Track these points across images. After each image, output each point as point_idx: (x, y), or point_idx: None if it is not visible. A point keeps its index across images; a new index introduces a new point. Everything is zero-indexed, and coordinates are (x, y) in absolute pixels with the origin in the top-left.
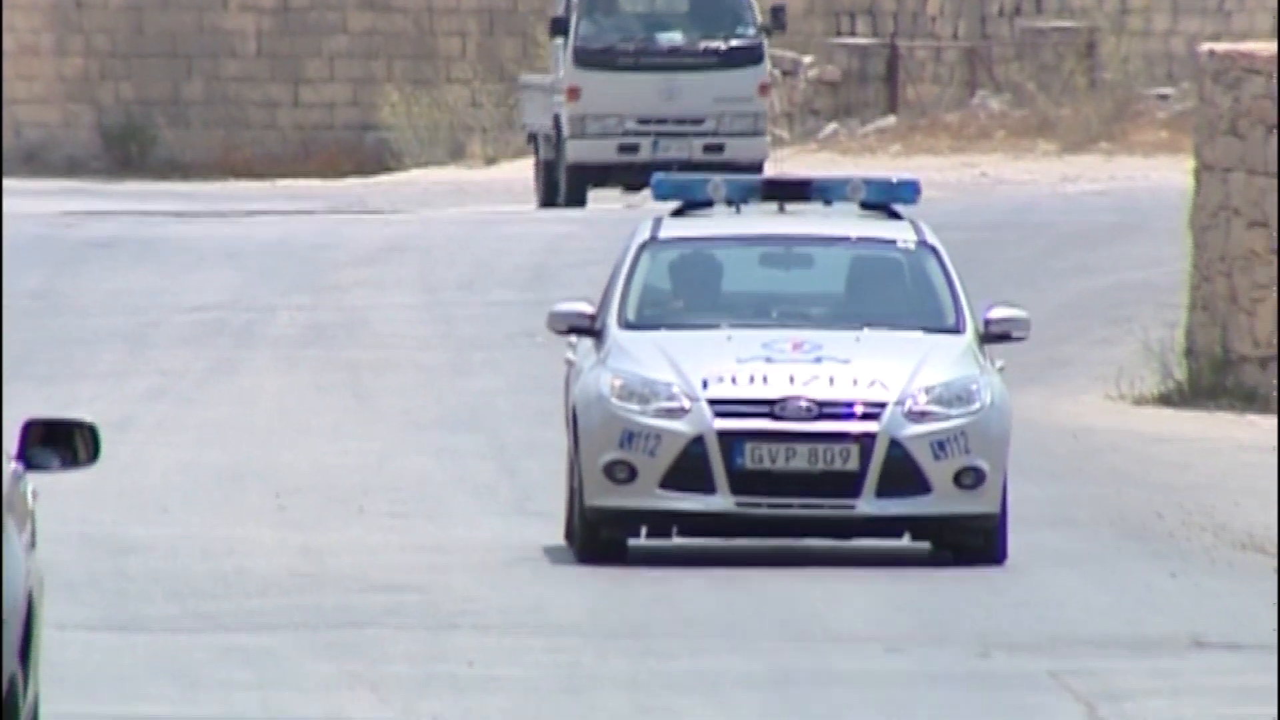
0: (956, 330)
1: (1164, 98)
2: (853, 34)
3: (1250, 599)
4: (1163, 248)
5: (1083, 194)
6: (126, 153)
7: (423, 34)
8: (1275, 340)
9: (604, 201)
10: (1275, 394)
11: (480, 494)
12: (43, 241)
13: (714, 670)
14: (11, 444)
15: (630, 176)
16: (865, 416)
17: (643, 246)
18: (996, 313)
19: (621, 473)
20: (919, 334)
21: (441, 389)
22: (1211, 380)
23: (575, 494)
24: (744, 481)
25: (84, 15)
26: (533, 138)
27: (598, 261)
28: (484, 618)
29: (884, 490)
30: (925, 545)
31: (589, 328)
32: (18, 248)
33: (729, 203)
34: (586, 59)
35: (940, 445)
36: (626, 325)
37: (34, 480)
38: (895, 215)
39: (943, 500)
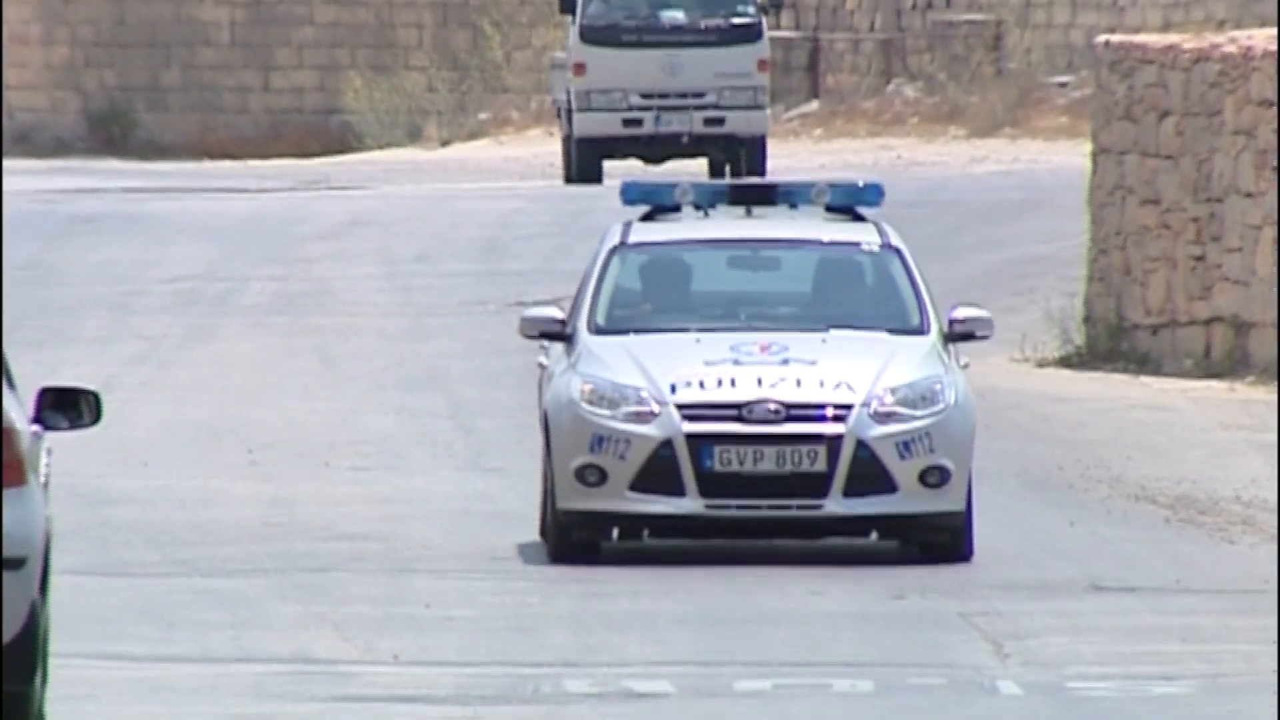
0: (921, 331)
1: (1064, 86)
2: (778, 27)
3: (1143, 546)
4: (1063, 224)
5: (989, 174)
6: (110, 135)
7: (383, 25)
8: (1171, 309)
9: (623, 175)
10: (1170, 358)
11: (437, 450)
12: (32, 217)
13: (651, 611)
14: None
15: (636, 149)
16: (832, 418)
17: (612, 251)
18: (961, 312)
19: (592, 476)
20: (884, 335)
21: (401, 353)
22: (1107, 345)
23: (548, 496)
24: (713, 484)
25: (69, 7)
26: (559, 113)
27: (545, 235)
28: (439, 563)
29: (851, 490)
30: (893, 543)
31: (560, 333)
32: (9, 223)
33: (697, 207)
34: (592, 36)
35: (905, 445)
36: (596, 330)
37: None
38: (859, 218)
39: (909, 499)
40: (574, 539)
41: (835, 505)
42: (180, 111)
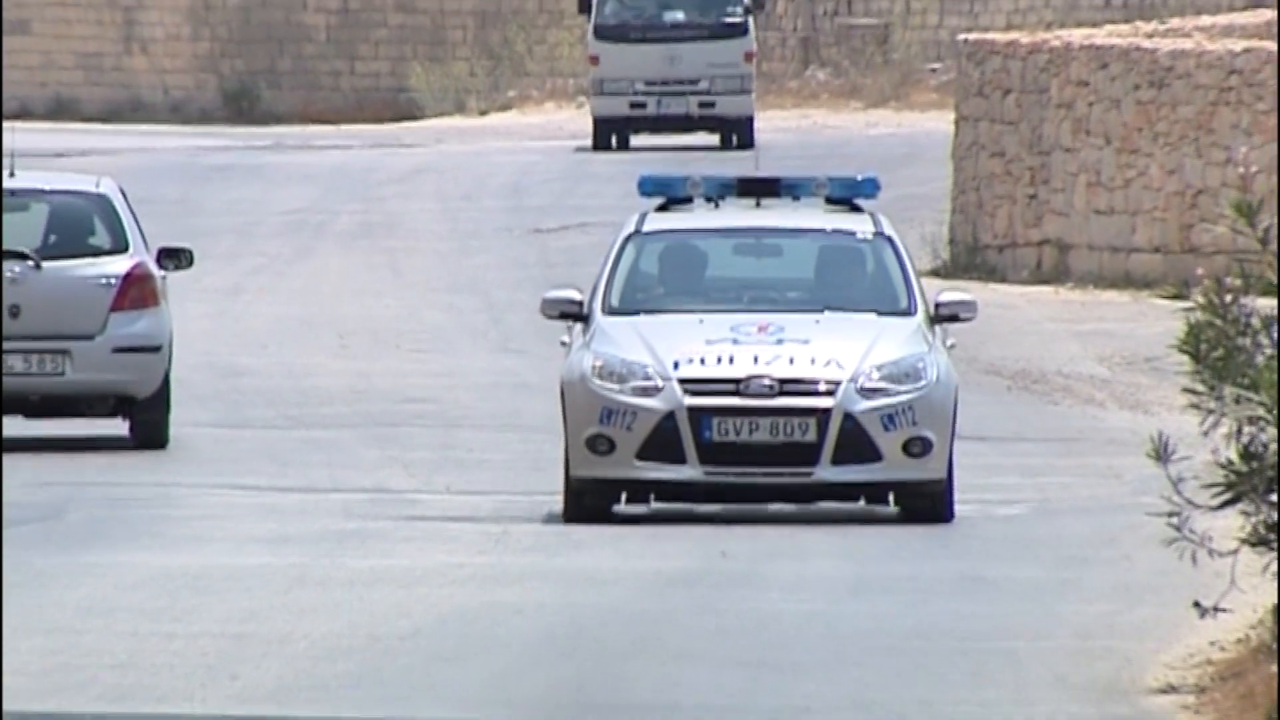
0: (908, 312)
1: (934, 71)
2: (766, 26)
3: (992, 407)
4: (933, 171)
5: (880, 135)
6: (239, 107)
7: (437, 28)
8: (1012, 233)
9: (647, 139)
10: (1011, 270)
11: (476, 337)
12: (182, 167)
13: None
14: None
15: (643, 127)
16: (822, 393)
17: (627, 239)
18: (945, 296)
19: (602, 445)
20: (873, 316)
21: (450, 266)
22: (966, 260)
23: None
24: (712, 452)
25: (210, 13)
26: None
27: (555, 180)
28: (479, 420)
29: (839, 459)
30: (879, 508)
31: (578, 313)
32: (165, 170)
33: (707, 199)
34: (605, 33)
35: (890, 418)
36: (610, 311)
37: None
38: (857, 209)
39: (893, 467)
40: (586, 504)
41: (825, 473)
42: (290, 90)
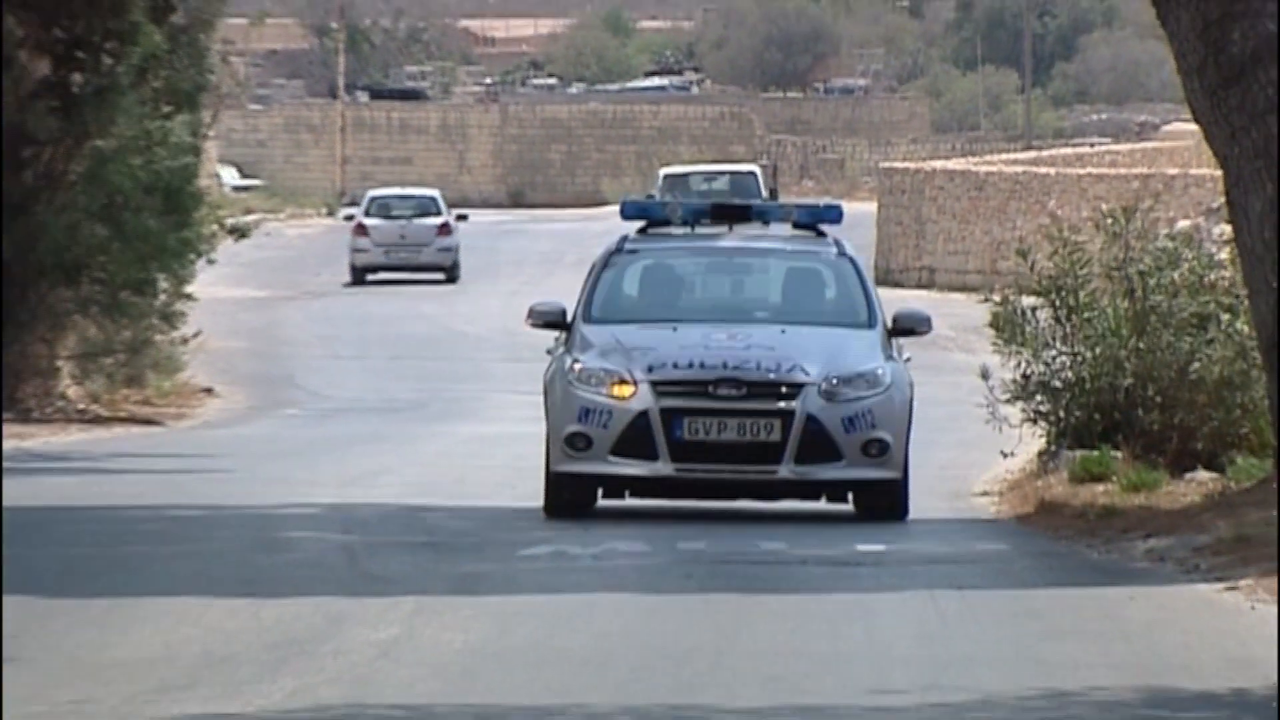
0: (869, 325)
1: (867, 181)
2: (773, 172)
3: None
4: (868, 232)
5: None
6: (517, 199)
7: (616, 161)
8: (907, 264)
9: None
10: (901, 282)
11: None
12: (489, 230)
13: None
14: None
15: None
16: (786, 396)
17: (609, 256)
18: (902, 311)
19: (580, 442)
20: (836, 328)
21: None
22: (883, 278)
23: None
24: (682, 450)
25: (503, 153)
26: None
27: None
28: None
29: (802, 458)
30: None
31: (561, 322)
32: (481, 232)
33: (685, 222)
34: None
35: (850, 420)
36: (591, 320)
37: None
38: (821, 233)
39: (852, 467)
40: (564, 497)
41: (788, 471)
42: (542, 191)
